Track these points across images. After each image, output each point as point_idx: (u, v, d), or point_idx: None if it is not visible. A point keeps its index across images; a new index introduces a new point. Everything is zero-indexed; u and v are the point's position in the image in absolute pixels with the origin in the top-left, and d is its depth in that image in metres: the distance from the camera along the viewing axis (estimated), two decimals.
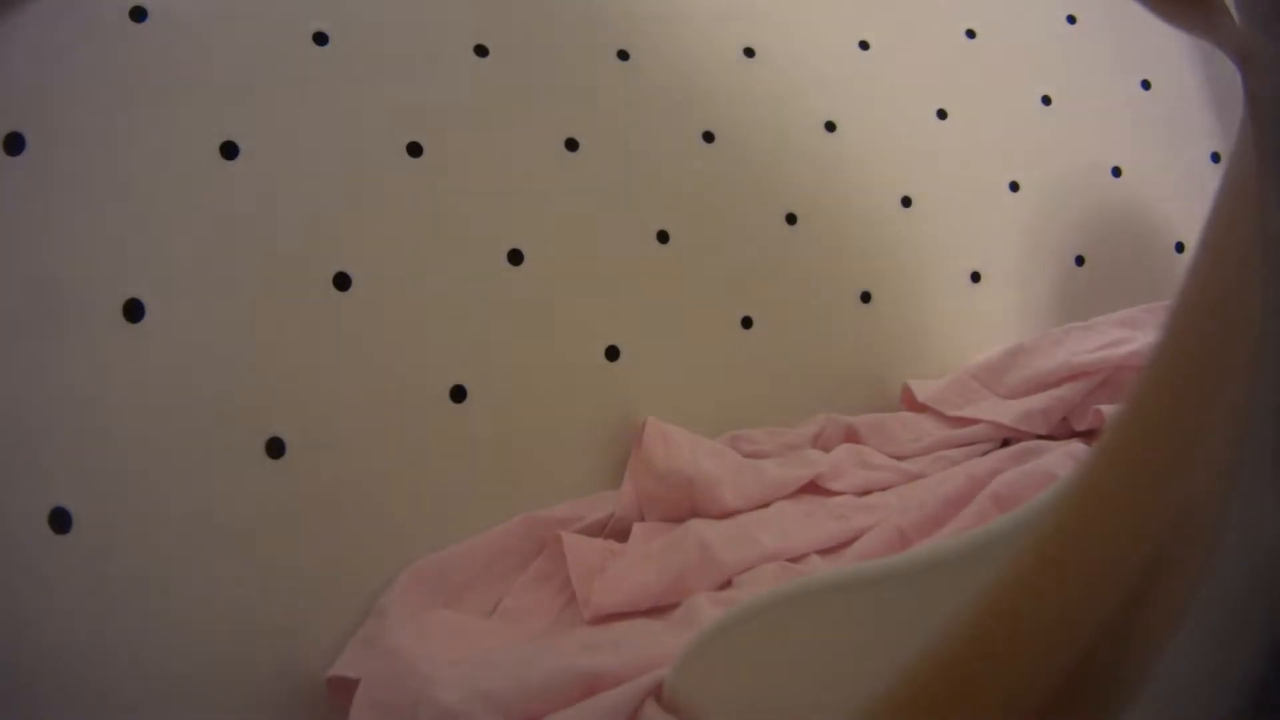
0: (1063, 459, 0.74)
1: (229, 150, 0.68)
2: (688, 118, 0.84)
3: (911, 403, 0.88)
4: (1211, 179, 1.02)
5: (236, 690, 0.63)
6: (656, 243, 0.82)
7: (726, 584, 0.67)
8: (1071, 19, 1.02)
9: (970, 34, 0.97)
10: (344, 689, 0.61)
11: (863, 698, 0.31)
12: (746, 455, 0.80)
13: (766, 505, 0.76)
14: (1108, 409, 0.79)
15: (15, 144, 0.61)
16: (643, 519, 0.75)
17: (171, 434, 0.64)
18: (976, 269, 0.94)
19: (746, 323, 0.85)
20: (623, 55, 0.83)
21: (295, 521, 0.66)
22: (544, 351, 0.77)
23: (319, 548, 0.67)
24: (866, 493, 0.77)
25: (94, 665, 0.58)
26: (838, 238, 0.89)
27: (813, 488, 0.78)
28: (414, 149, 0.74)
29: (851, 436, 0.84)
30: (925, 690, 0.30)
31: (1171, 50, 1.05)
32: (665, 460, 0.75)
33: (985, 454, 0.81)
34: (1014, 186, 0.96)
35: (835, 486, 0.77)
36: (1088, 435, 0.81)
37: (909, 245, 0.92)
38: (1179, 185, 1.01)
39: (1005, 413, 0.82)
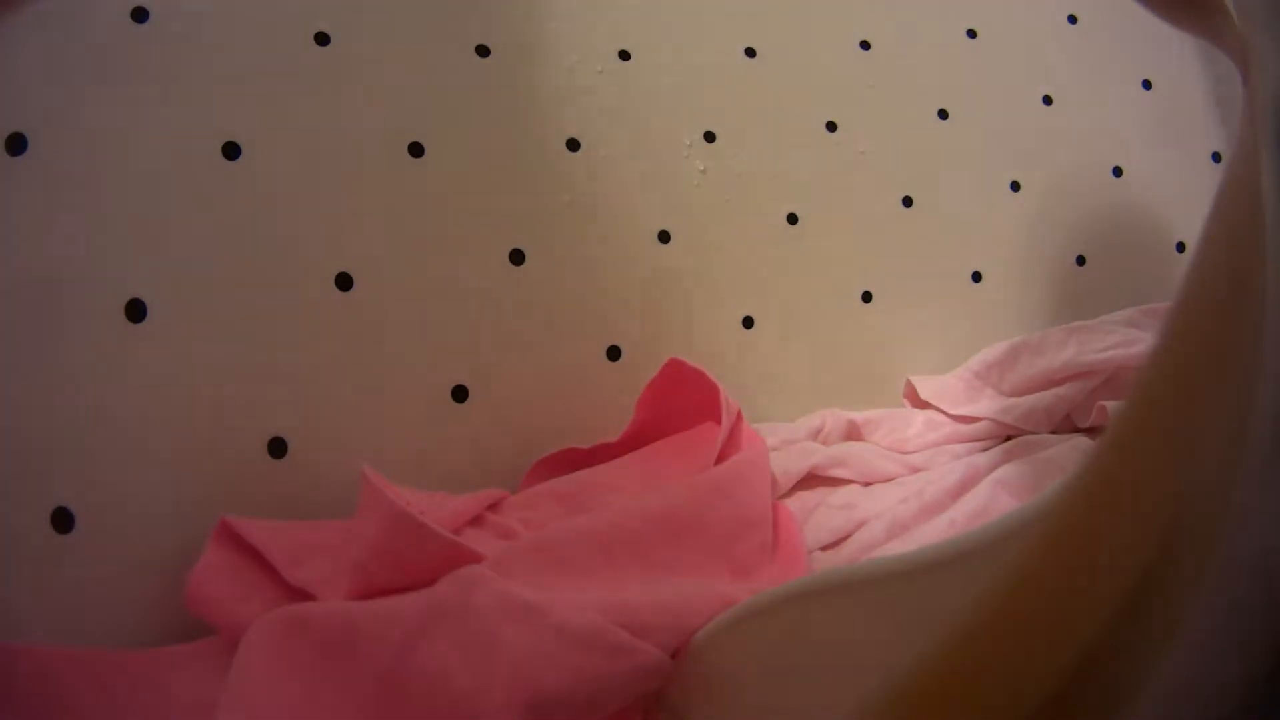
0: (1068, 451, 0.74)
1: (231, 150, 0.68)
2: (688, 118, 0.85)
3: (915, 399, 0.89)
4: (1211, 179, 1.02)
5: None
6: (658, 243, 0.82)
7: None
8: (1072, 19, 1.02)
9: (971, 34, 0.97)
10: None
11: (862, 697, 0.31)
12: None
13: None
14: (1111, 405, 0.79)
15: (17, 144, 0.61)
16: None
17: (174, 434, 0.64)
18: (977, 269, 0.94)
19: (748, 323, 0.85)
20: (624, 55, 0.83)
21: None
22: (546, 351, 0.77)
23: None
24: (868, 484, 0.77)
25: None
26: (838, 238, 0.89)
27: (812, 480, 0.78)
28: (415, 149, 0.74)
29: (853, 432, 0.84)
30: (926, 689, 0.30)
31: (1171, 50, 1.05)
32: None
33: (988, 450, 0.81)
34: (1015, 186, 0.96)
35: (836, 474, 0.77)
36: (1090, 432, 0.81)
37: (909, 245, 0.92)
38: (1179, 185, 1.01)
39: (1009, 410, 0.82)
